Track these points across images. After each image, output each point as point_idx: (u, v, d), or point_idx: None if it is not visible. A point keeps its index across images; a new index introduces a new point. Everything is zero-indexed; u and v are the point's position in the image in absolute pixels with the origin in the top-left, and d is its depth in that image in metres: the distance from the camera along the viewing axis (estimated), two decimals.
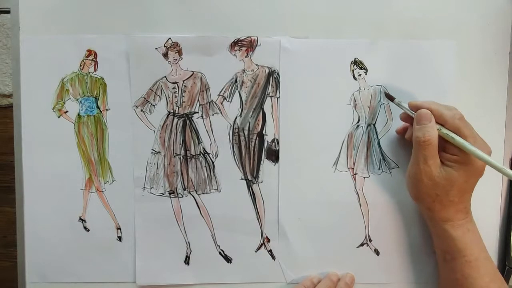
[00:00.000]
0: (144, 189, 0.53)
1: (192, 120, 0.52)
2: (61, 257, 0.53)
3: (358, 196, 0.53)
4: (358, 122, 0.53)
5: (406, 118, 0.50)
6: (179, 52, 0.51)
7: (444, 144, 0.46)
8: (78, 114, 0.52)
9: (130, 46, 0.51)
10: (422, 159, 0.46)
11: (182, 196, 0.53)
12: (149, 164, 0.53)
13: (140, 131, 0.52)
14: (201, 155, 0.53)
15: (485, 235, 0.53)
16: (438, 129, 0.45)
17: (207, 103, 0.52)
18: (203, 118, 0.52)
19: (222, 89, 0.52)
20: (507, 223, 0.53)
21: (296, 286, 0.53)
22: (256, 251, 0.53)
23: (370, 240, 0.53)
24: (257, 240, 0.53)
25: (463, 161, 0.45)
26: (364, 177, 0.53)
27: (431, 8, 0.51)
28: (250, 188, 0.53)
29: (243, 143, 0.53)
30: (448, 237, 0.47)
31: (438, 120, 0.46)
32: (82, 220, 0.53)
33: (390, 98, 0.51)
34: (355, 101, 0.52)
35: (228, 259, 0.54)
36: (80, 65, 0.52)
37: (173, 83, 0.52)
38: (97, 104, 0.52)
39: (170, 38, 0.51)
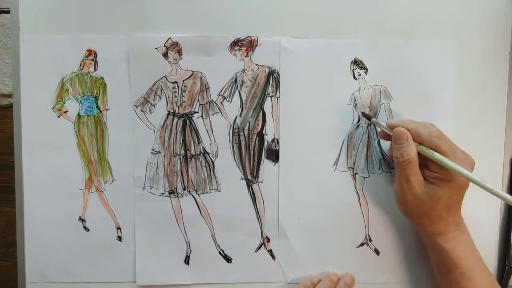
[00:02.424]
0: (144, 189, 0.53)
1: (192, 120, 0.53)
2: (61, 257, 0.53)
3: (358, 196, 0.53)
4: (358, 122, 0.53)
5: (385, 136, 0.50)
6: (179, 52, 0.51)
7: (426, 161, 0.46)
8: (78, 114, 0.52)
9: (130, 46, 0.51)
10: (404, 178, 0.46)
11: (182, 196, 0.53)
12: (149, 164, 0.53)
13: (140, 131, 0.52)
14: (201, 155, 0.53)
15: (485, 235, 0.53)
16: (416, 146, 0.45)
17: (207, 103, 0.52)
18: (203, 118, 0.52)
19: (222, 89, 0.52)
20: (507, 223, 0.53)
21: (296, 286, 0.53)
22: (256, 251, 0.53)
23: (370, 240, 0.53)
24: (257, 240, 0.53)
25: (445, 177, 0.45)
26: (364, 177, 0.53)
27: (431, 8, 0.51)
28: (250, 188, 0.53)
29: (243, 143, 0.53)
30: (441, 250, 0.47)
31: (415, 139, 0.46)
32: (82, 220, 0.53)
33: (368, 117, 0.51)
34: (355, 101, 0.52)
35: (228, 259, 0.54)
36: (80, 65, 0.52)
37: (173, 83, 0.52)
38: (97, 104, 0.52)
39: (170, 38, 0.51)
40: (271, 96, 0.52)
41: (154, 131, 0.52)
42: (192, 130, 0.53)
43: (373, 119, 0.51)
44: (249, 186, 0.53)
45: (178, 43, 0.51)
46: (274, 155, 0.53)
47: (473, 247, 0.48)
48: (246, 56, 0.52)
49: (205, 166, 0.53)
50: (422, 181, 0.46)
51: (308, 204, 0.53)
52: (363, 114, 0.52)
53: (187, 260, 0.53)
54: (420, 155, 0.46)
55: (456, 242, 0.47)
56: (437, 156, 0.44)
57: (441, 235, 0.47)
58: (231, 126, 0.52)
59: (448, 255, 0.46)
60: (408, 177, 0.45)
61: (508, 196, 0.42)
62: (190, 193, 0.53)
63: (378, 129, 0.51)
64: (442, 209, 0.46)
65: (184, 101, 0.52)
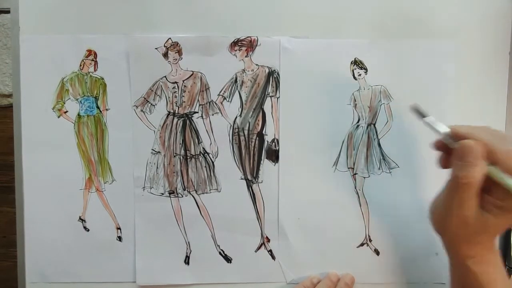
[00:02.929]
0: (144, 189, 0.53)
1: (192, 120, 0.53)
2: (61, 257, 0.53)
3: (358, 196, 0.53)
4: (358, 122, 0.53)
5: (441, 146, 0.42)
6: (179, 52, 0.51)
7: (488, 183, 0.38)
8: (78, 114, 0.52)
9: (130, 46, 0.51)
10: (457, 201, 0.38)
11: (182, 196, 0.53)
12: (149, 164, 0.53)
13: (140, 131, 0.52)
14: (201, 155, 0.53)
15: None
16: (487, 166, 0.37)
17: (207, 103, 0.52)
18: (203, 118, 0.52)
19: (222, 89, 0.52)
20: None
21: (296, 286, 0.53)
22: (256, 251, 0.53)
23: (370, 240, 0.53)
24: (257, 240, 0.53)
25: (509, 207, 0.38)
26: (364, 177, 0.53)
27: (431, 8, 0.51)
28: (250, 188, 0.53)
29: (243, 143, 0.53)
30: (470, 273, 0.41)
31: (488, 156, 0.37)
32: (82, 220, 0.53)
33: (421, 114, 0.42)
34: (355, 101, 0.52)
35: (228, 259, 0.54)
36: (80, 65, 0.52)
37: (173, 83, 0.52)
38: (97, 104, 0.52)
39: (170, 38, 0.51)
40: (271, 96, 0.52)
41: (154, 131, 0.52)
42: (192, 130, 0.53)
43: (428, 119, 0.41)
44: (249, 186, 0.53)
45: (178, 43, 0.51)
46: (274, 155, 0.53)
47: (502, 270, 0.42)
48: (246, 56, 0.52)
49: (205, 166, 0.53)
50: (477, 207, 0.39)
51: (308, 204, 0.53)
52: (414, 109, 0.42)
53: (187, 260, 0.53)
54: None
55: (487, 266, 0.41)
56: None
57: (473, 258, 0.41)
58: (231, 126, 0.52)
59: (477, 278, 0.41)
60: (462, 202, 0.38)
61: None
62: (190, 193, 0.53)
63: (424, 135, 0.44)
64: (486, 237, 0.40)
65: (184, 101, 0.52)
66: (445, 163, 0.42)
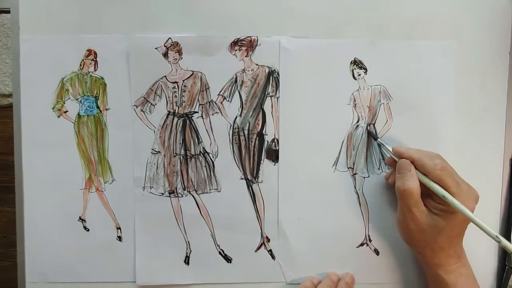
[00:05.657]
0: (144, 189, 0.53)
1: (192, 120, 0.53)
2: (61, 257, 0.53)
3: (358, 196, 0.53)
4: (357, 122, 0.53)
5: (392, 162, 0.50)
6: (179, 52, 0.51)
7: (431, 192, 0.46)
8: (78, 114, 0.52)
9: (130, 46, 0.51)
10: (405, 207, 0.46)
11: (182, 196, 0.53)
12: (149, 164, 0.53)
13: (140, 130, 0.52)
14: (201, 154, 0.53)
15: (485, 235, 0.53)
16: (420, 177, 0.46)
17: (207, 103, 0.52)
18: (203, 118, 0.52)
19: (222, 89, 0.52)
20: (507, 223, 0.53)
21: (297, 287, 0.53)
22: (256, 251, 0.53)
23: (370, 240, 0.53)
24: (257, 240, 0.53)
25: (449, 209, 0.45)
26: (364, 177, 0.53)
27: (431, 8, 0.51)
28: (250, 188, 0.53)
29: (243, 143, 0.53)
30: (441, 281, 0.47)
31: (421, 170, 0.46)
32: (82, 220, 0.53)
33: (374, 137, 0.52)
34: (354, 101, 0.52)
35: (228, 259, 0.54)
36: (80, 65, 0.52)
37: (173, 82, 0.52)
38: (97, 104, 0.52)
39: (170, 38, 0.51)
40: (271, 96, 0.52)
41: (154, 131, 0.52)
42: (192, 130, 0.53)
43: (379, 140, 0.51)
44: (249, 186, 0.53)
45: (178, 43, 0.51)
46: (274, 155, 0.53)
47: (473, 281, 0.48)
48: (246, 56, 0.52)
49: (205, 166, 0.53)
50: (425, 212, 0.46)
51: (308, 204, 0.53)
52: (369, 133, 0.52)
53: (187, 260, 0.53)
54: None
55: (457, 275, 0.47)
56: (438, 190, 0.44)
57: (442, 267, 0.47)
58: (231, 126, 0.52)
59: (448, 287, 0.46)
60: (410, 208, 0.46)
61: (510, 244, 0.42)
62: (190, 193, 0.53)
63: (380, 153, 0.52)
64: (444, 240, 0.46)
65: (184, 101, 0.52)
66: (392, 179, 0.50)
